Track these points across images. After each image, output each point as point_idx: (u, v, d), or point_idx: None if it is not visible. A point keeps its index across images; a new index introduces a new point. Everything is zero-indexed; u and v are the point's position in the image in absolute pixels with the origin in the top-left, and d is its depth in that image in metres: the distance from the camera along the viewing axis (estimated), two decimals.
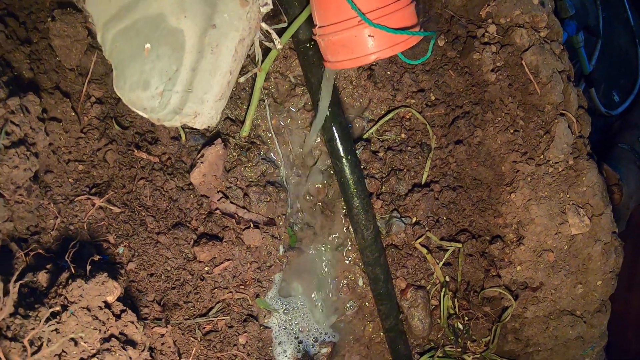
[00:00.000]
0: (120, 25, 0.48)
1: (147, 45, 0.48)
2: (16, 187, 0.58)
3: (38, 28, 0.68)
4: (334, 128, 0.76)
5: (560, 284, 0.95)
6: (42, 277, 0.58)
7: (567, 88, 0.91)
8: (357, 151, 0.81)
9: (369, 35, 0.60)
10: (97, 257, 0.63)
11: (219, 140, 0.70)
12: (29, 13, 0.70)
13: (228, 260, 0.77)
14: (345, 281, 0.87)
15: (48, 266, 0.59)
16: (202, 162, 0.70)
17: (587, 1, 1.90)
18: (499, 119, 0.86)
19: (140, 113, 0.53)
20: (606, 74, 1.99)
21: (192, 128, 0.71)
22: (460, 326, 0.95)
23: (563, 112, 0.91)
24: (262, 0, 0.56)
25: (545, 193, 0.88)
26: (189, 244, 0.75)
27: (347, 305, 0.87)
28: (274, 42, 0.63)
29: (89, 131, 0.70)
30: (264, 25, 0.60)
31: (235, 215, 0.76)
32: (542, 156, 0.88)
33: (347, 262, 0.86)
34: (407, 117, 0.82)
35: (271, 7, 0.59)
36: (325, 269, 0.86)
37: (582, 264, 0.96)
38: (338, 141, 0.76)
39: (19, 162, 0.57)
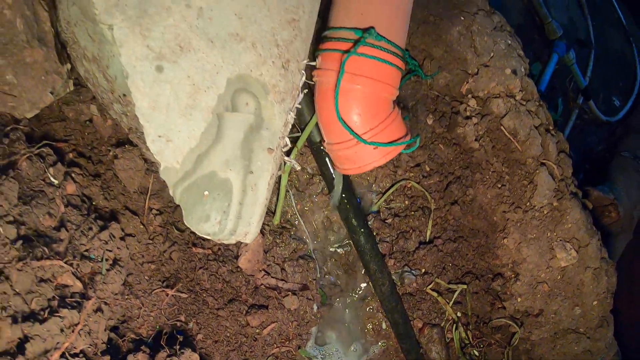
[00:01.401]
0: (185, 184, 0.68)
1: (206, 193, 0.68)
2: (114, 295, 0.79)
3: (102, 161, 0.89)
4: (348, 208, 0.94)
5: (559, 308, 1.11)
6: (142, 358, 0.79)
7: (545, 140, 1.07)
8: (369, 222, 0.99)
9: (366, 151, 0.78)
10: (180, 338, 0.84)
11: (259, 232, 0.90)
12: (92, 148, 0.91)
13: (274, 322, 0.97)
14: (370, 326, 1.06)
15: (145, 349, 0.80)
16: (246, 251, 0.90)
17: (575, 15, 2.02)
18: (487, 177, 1.03)
19: (206, 237, 0.73)
20: (604, 81, 2.10)
21: None
22: (477, 353, 1.13)
23: (544, 161, 1.07)
24: (283, 142, 0.75)
25: (534, 235, 1.05)
26: (242, 313, 0.95)
27: (375, 346, 1.05)
28: (293, 163, 0.83)
29: (155, 237, 0.91)
30: (286, 158, 0.80)
31: (277, 287, 0.96)
32: (528, 203, 1.04)
33: (371, 310, 1.05)
34: (408, 187, 1.00)
35: (290, 146, 0.79)
36: (353, 318, 1.05)
37: (577, 289, 1.11)
38: (352, 219, 0.95)
39: (115, 278, 0.78)
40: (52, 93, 0.75)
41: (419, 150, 0.98)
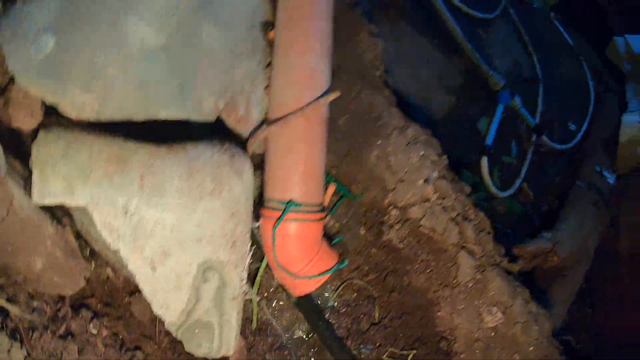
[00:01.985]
0: (182, 328, 1.00)
1: (197, 331, 1.01)
2: None
3: (121, 305, 1.23)
4: (308, 307, 1.24)
5: (499, 357, 1.36)
6: None
7: (462, 227, 1.33)
8: (326, 314, 1.28)
9: (303, 282, 1.08)
10: None
11: (237, 344, 1.21)
12: (112, 298, 1.25)
13: None
14: None
15: None
16: (233, 355, 1.22)
17: (519, 53, 2.22)
18: (417, 266, 1.30)
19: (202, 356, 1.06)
20: (559, 108, 2.27)
21: None
22: None
23: (464, 245, 1.32)
24: (242, 290, 1.06)
25: (463, 305, 1.30)
26: None
27: None
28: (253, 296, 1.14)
29: (165, 351, 1.24)
30: (250, 292, 1.12)
31: None
32: (454, 281, 1.30)
33: None
34: (354, 284, 1.29)
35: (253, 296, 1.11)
36: None
37: (512, 340, 1.36)
38: (313, 314, 1.24)
39: None
40: (85, 278, 1.10)
41: (356, 256, 1.27)
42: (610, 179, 2.11)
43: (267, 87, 1.16)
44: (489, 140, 1.86)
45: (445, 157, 1.35)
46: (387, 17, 1.78)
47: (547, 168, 2.14)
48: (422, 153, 1.29)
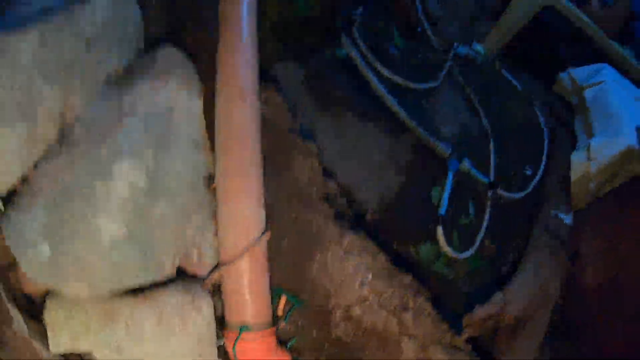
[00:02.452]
0: None
1: None
2: None
3: None
4: None
5: None
6: None
7: (401, 317, 1.56)
8: None
9: None
10: None
11: None
12: None
13: None
14: None
15: None
16: None
17: (466, 114, 2.41)
18: (366, 355, 1.54)
19: None
20: (513, 156, 2.45)
21: None
22: None
23: (404, 332, 1.56)
24: None
25: None
26: None
27: None
28: None
29: None
30: None
31: None
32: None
33: None
34: None
35: None
36: None
37: None
38: None
39: None
40: None
41: (312, 352, 1.53)
42: (567, 219, 2.28)
43: (215, 232, 1.46)
44: (442, 209, 2.07)
45: (381, 255, 1.60)
46: (331, 114, 2.03)
47: (509, 217, 2.31)
48: (356, 260, 1.54)
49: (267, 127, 1.56)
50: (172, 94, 1.40)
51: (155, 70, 1.42)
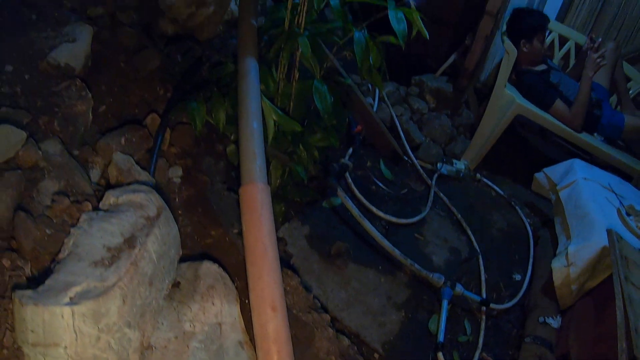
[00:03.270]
0: None
1: None
2: None
3: None
4: None
5: None
6: None
7: None
8: None
9: None
10: None
11: None
12: None
13: None
14: None
15: None
16: None
17: (454, 236, 2.72)
18: None
19: None
20: (501, 265, 2.74)
21: None
22: None
23: None
24: None
25: None
26: None
27: None
28: None
29: None
30: None
31: None
32: None
33: None
34: None
35: None
36: None
37: None
38: None
39: None
40: None
41: None
42: (555, 323, 2.56)
43: None
44: (441, 337, 2.35)
45: None
46: (335, 269, 2.31)
47: (503, 326, 2.61)
48: None
49: (288, 310, 1.84)
50: (219, 309, 1.68)
51: (200, 288, 1.70)
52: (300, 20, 2.03)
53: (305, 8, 2.00)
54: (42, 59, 2.23)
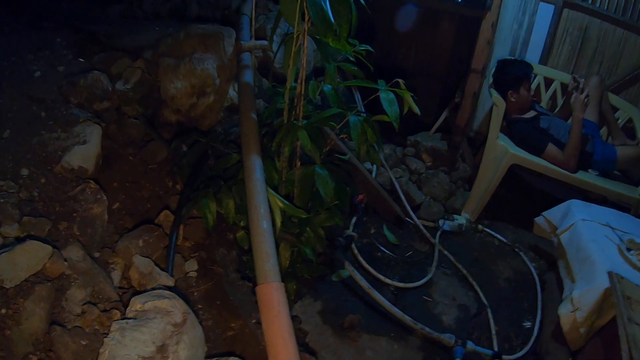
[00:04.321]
0: None
1: None
2: None
3: None
4: None
5: None
6: None
7: None
8: None
9: None
10: None
11: None
12: None
13: None
14: None
15: None
16: None
17: (462, 292, 2.86)
18: None
19: None
20: (510, 315, 2.88)
21: None
22: None
23: None
24: None
25: None
26: None
27: None
28: None
29: None
30: None
31: None
32: None
33: None
34: None
35: None
36: None
37: None
38: None
39: None
40: None
41: None
42: None
43: None
44: None
45: None
46: (350, 341, 2.46)
47: None
48: None
49: None
50: None
51: None
52: (298, 112, 2.24)
53: (302, 102, 2.21)
54: (56, 162, 2.45)
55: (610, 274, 2.77)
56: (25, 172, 2.42)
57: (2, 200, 2.21)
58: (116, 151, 2.64)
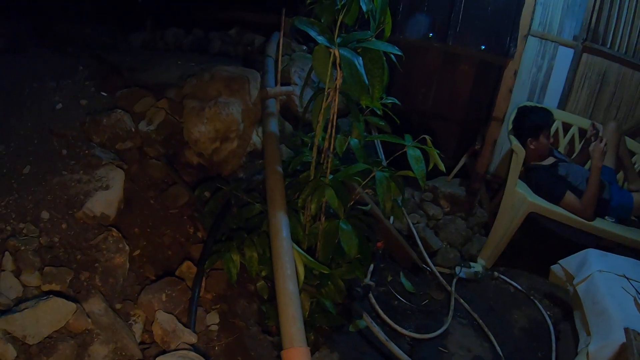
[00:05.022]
0: None
1: None
2: None
3: None
4: None
5: None
6: None
7: None
8: None
9: None
10: None
11: None
12: None
13: None
14: None
15: None
16: None
17: (479, 345, 2.87)
18: None
19: None
20: None
21: None
22: None
23: None
24: None
25: None
26: None
27: None
28: None
29: None
30: None
31: None
32: None
33: None
34: None
35: None
36: None
37: None
38: None
39: None
40: None
41: None
42: None
43: None
44: None
45: None
46: None
47: None
48: None
49: None
50: None
51: None
52: (325, 168, 2.26)
53: (330, 159, 2.23)
54: (78, 207, 2.44)
55: (626, 330, 2.78)
56: (45, 215, 2.42)
57: (23, 248, 2.21)
58: (137, 194, 2.65)
